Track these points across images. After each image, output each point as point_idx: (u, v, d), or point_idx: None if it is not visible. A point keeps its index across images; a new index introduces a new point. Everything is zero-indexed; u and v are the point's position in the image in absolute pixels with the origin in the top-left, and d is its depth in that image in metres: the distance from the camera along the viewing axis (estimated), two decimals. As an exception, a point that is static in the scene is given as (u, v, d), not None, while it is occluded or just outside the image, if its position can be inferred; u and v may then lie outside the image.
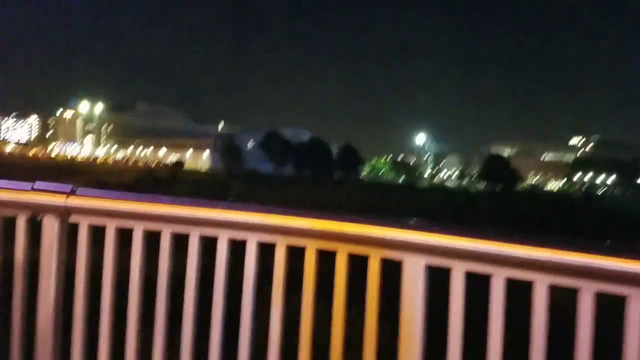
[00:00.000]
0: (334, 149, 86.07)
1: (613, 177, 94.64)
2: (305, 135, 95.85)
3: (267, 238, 1.91)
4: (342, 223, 1.84)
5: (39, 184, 2.03)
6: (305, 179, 54.85)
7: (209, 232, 1.96)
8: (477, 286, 1.71)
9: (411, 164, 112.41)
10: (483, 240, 1.67)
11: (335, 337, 1.84)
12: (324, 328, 1.88)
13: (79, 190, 2.07)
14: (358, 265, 1.84)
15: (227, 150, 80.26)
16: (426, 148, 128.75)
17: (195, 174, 47.86)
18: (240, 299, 1.91)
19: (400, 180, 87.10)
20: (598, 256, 1.49)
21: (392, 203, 25.08)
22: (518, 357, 1.65)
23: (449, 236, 1.71)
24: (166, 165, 69.75)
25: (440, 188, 63.58)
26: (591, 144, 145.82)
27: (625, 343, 1.51)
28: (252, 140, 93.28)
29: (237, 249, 1.94)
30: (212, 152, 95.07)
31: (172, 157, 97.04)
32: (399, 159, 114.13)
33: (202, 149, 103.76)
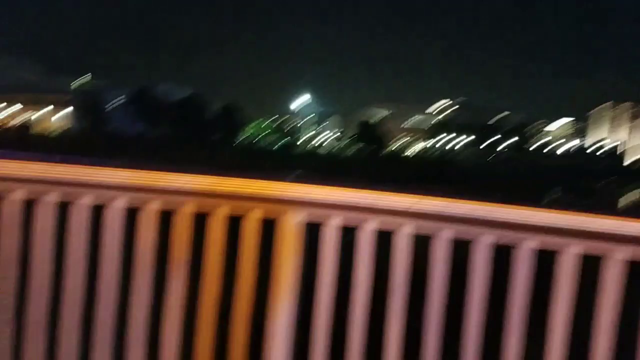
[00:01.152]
0: (216, 108, 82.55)
1: (471, 138, 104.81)
2: (185, 92, 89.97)
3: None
4: (222, 179, 1.79)
5: None
6: (173, 140, 52.20)
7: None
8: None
9: (297, 125, 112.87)
10: (357, 190, 1.77)
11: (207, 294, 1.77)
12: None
13: None
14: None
15: (87, 107, 72.80)
16: (308, 109, 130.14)
17: (44, 137, 42.87)
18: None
19: (278, 145, 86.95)
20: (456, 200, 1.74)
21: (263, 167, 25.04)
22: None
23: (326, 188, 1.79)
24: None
25: (311, 153, 64.86)
26: (454, 107, 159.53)
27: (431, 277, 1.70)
28: (122, 97, 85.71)
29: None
30: (72, 110, 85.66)
31: (28, 115, 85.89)
32: (283, 120, 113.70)
33: (63, 105, 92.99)
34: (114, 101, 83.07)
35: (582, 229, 1.68)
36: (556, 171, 66.37)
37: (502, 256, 1.78)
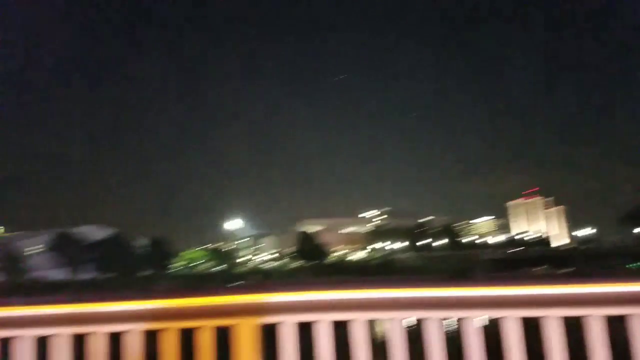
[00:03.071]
0: (142, 244, 78.83)
1: (404, 242, 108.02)
2: (105, 232, 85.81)
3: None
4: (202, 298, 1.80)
5: None
6: (105, 281, 48.53)
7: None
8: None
9: (229, 249, 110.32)
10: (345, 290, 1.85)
11: None
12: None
13: None
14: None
15: (4, 258, 66.79)
16: (242, 233, 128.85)
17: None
18: None
19: (219, 268, 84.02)
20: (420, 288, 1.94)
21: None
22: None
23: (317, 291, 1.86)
24: None
25: (257, 271, 63.40)
26: (383, 216, 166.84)
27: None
28: (38, 244, 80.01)
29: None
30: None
31: None
32: (216, 247, 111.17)
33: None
34: (31, 248, 77.42)
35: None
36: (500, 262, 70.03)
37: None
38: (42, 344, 1.84)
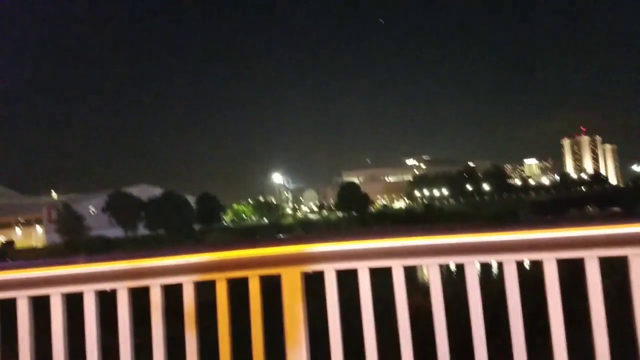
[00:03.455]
0: (191, 201, 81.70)
1: (449, 189, 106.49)
2: (156, 192, 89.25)
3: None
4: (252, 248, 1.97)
5: None
6: (161, 237, 50.95)
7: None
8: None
9: (272, 203, 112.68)
10: (384, 238, 1.97)
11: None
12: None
13: None
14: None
15: (63, 219, 71.08)
16: (285, 185, 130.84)
17: (29, 252, 41.30)
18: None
19: (266, 221, 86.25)
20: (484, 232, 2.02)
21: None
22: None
23: (355, 240, 1.99)
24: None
25: (302, 223, 64.61)
26: (422, 164, 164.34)
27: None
28: (94, 204, 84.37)
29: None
30: (46, 225, 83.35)
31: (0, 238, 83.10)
32: (260, 201, 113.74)
33: (34, 223, 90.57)
34: (91, 209, 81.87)
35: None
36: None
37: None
38: (104, 298, 2.05)
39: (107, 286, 1.99)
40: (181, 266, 1.96)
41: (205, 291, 2.05)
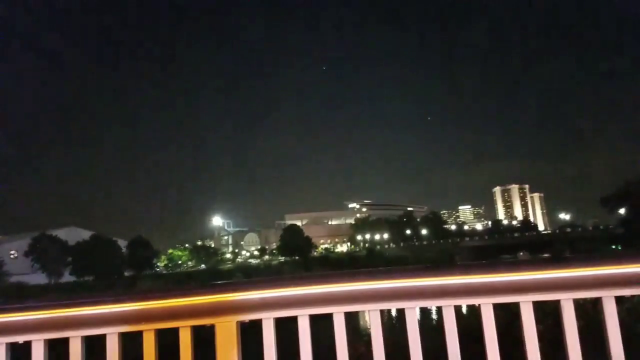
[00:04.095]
0: (123, 245, 77.25)
1: (388, 233, 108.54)
2: (85, 235, 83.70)
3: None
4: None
5: None
6: (88, 284, 47.68)
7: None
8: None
9: (211, 247, 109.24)
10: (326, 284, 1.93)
11: None
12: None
13: None
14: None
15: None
16: (225, 229, 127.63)
17: None
18: None
19: (203, 266, 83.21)
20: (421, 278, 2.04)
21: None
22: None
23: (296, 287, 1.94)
24: None
25: (245, 266, 63.04)
26: (364, 207, 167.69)
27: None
28: (15, 247, 78.09)
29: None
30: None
31: None
32: (198, 245, 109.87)
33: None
34: (12, 252, 75.53)
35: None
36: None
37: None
38: (19, 349, 1.85)
39: (19, 338, 1.77)
40: (105, 316, 1.77)
41: (137, 342, 1.89)
